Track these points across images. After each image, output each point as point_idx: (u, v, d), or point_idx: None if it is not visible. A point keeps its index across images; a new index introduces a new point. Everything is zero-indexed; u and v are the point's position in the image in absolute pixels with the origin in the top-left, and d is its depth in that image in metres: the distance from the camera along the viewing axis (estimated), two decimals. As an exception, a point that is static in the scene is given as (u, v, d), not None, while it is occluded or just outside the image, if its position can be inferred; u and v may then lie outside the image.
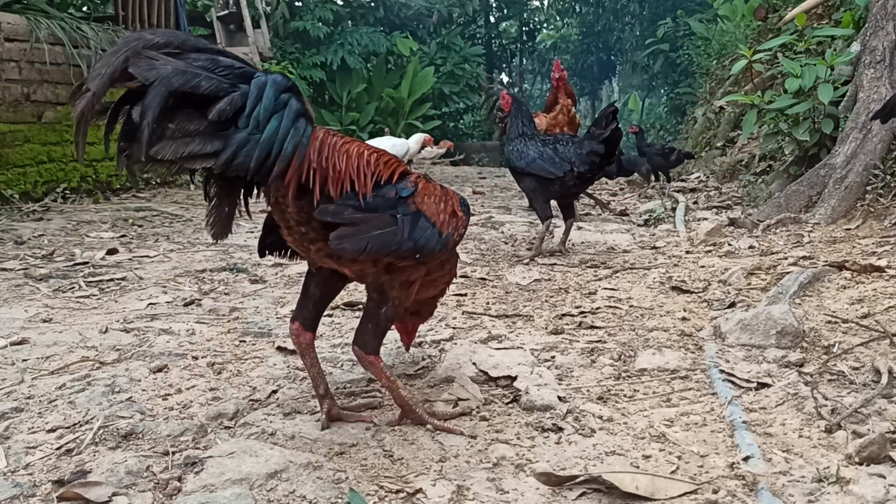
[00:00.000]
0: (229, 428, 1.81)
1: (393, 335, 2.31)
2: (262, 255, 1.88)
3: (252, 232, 4.59)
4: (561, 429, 1.80)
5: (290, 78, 1.54)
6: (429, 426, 1.79)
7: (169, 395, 2.01)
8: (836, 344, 2.31)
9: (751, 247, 3.90)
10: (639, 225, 5.33)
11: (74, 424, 1.80)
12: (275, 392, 2.04)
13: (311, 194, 1.56)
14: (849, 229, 3.97)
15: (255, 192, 1.58)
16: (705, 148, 8.37)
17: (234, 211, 1.55)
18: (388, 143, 7.26)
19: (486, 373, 2.16)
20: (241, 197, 1.56)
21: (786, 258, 3.49)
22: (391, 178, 1.67)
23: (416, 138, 7.59)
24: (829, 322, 2.54)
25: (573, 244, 4.50)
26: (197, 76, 1.38)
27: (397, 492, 1.50)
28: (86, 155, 6.45)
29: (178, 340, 2.50)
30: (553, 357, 2.33)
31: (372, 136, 12.95)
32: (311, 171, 1.54)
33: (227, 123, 1.42)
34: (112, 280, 3.42)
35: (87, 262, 3.77)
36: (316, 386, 1.83)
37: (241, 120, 1.43)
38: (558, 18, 22.78)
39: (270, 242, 1.84)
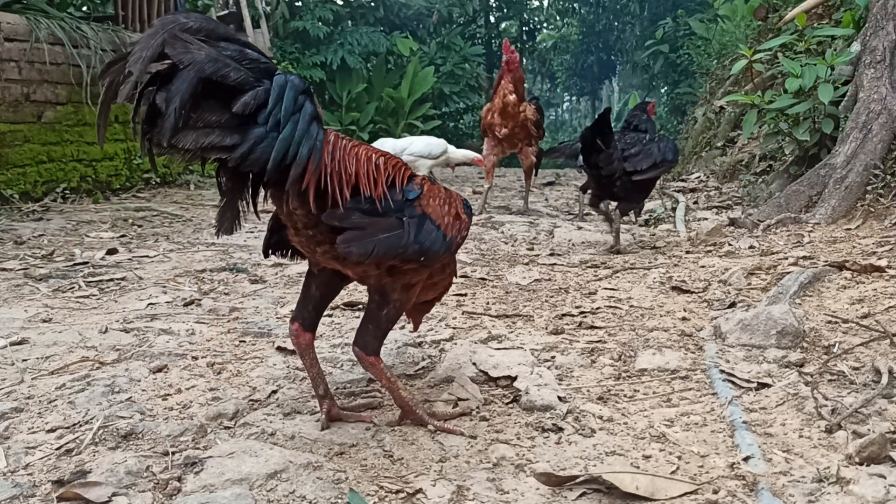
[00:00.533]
0: (229, 428, 1.81)
1: (393, 335, 2.31)
2: (266, 255, 1.88)
3: (252, 232, 4.59)
4: (561, 429, 1.80)
5: (306, 80, 1.54)
6: (429, 427, 1.79)
7: (169, 395, 2.01)
8: (837, 344, 2.31)
9: (751, 247, 3.90)
10: (639, 225, 5.33)
11: (74, 424, 1.80)
12: (275, 392, 2.04)
13: (320, 198, 1.56)
14: (849, 229, 3.97)
15: (264, 192, 1.58)
16: (705, 148, 8.37)
17: (242, 208, 1.55)
18: (422, 142, 7.01)
19: (486, 373, 2.16)
20: (250, 196, 1.56)
21: (786, 258, 3.48)
22: (401, 181, 1.68)
23: (464, 153, 7.21)
24: (830, 322, 2.54)
25: (573, 244, 4.50)
26: (227, 66, 1.38)
27: (397, 492, 1.50)
28: (85, 154, 6.50)
29: (177, 340, 2.50)
30: (553, 357, 2.33)
31: (372, 136, 12.95)
32: (325, 175, 1.54)
33: (246, 118, 1.42)
34: (112, 280, 3.42)
35: (86, 262, 3.77)
36: (316, 386, 1.83)
37: (260, 116, 1.43)
38: (558, 18, 22.79)
39: (274, 243, 1.84)
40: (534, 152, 5.90)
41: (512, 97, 5.46)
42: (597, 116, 4.00)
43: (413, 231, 1.64)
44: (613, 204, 4.29)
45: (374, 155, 1.66)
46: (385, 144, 7.22)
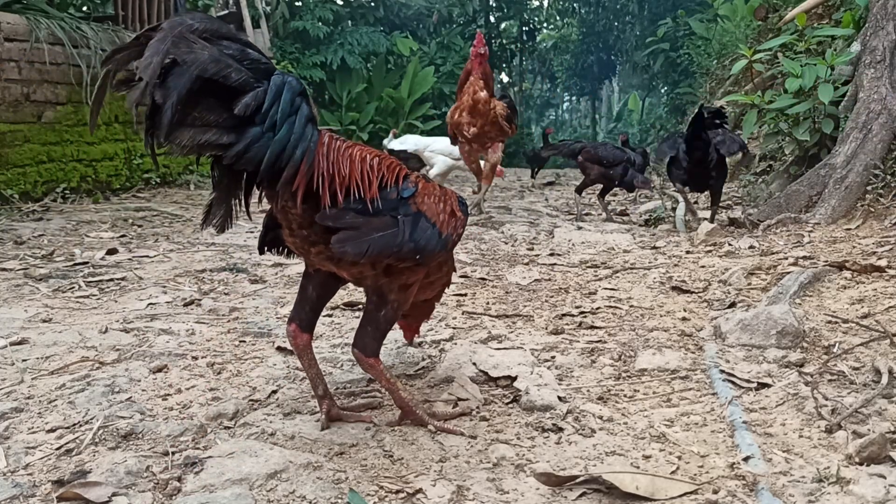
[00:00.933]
0: (229, 428, 1.81)
1: (393, 335, 2.31)
2: (261, 251, 1.88)
3: (252, 232, 4.59)
4: (561, 429, 1.80)
5: (302, 81, 1.55)
6: (429, 427, 1.79)
7: (169, 395, 2.01)
8: (837, 344, 2.31)
9: (751, 247, 3.90)
10: (639, 225, 5.33)
11: (74, 424, 1.80)
12: (275, 392, 2.04)
13: (314, 198, 1.56)
14: (849, 229, 3.97)
15: (259, 192, 1.59)
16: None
17: (235, 206, 1.56)
18: (446, 142, 6.91)
19: (486, 373, 2.16)
20: (243, 195, 1.57)
21: (786, 258, 3.49)
22: (395, 180, 1.67)
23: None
24: (830, 322, 2.54)
25: (573, 244, 4.50)
26: (229, 66, 1.40)
27: (397, 492, 1.50)
28: (85, 154, 6.49)
29: (178, 340, 2.50)
30: (553, 357, 2.33)
31: (372, 136, 12.95)
32: (319, 176, 1.54)
33: (244, 118, 1.44)
34: (112, 280, 3.42)
35: (86, 262, 3.77)
36: (315, 387, 1.83)
37: (258, 116, 1.44)
38: (558, 18, 22.79)
39: (270, 240, 1.84)
40: (502, 148, 5.59)
41: (483, 94, 5.08)
42: (694, 115, 4.57)
43: (408, 229, 1.63)
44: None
45: (368, 155, 1.66)
46: (408, 140, 7.28)
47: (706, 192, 5.18)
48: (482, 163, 5.76)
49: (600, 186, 5.77)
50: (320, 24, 12.82)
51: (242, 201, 1.58)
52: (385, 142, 9.83)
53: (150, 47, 1.35)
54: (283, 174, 1.48)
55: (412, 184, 1.70)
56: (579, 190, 5.89)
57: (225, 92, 1.41)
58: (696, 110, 4.70)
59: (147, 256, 3.98)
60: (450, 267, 1.95)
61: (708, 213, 5.35)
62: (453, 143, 5.75)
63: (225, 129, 1.42)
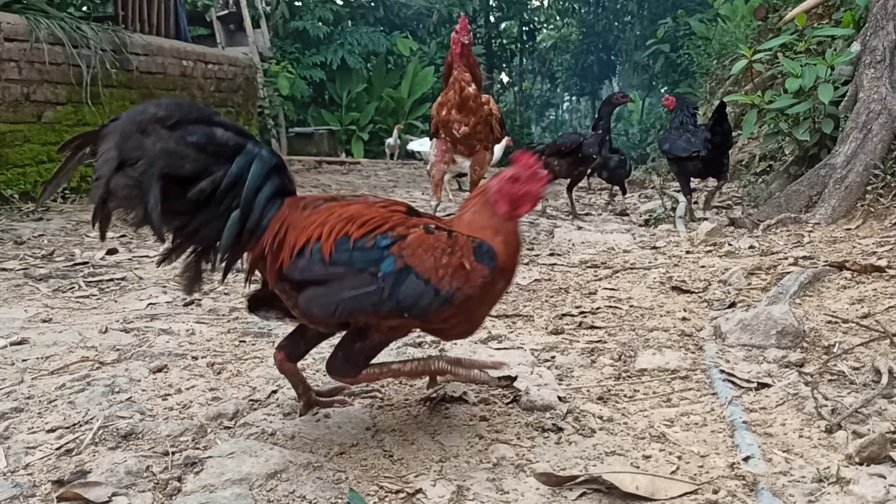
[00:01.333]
0: (229, 428, 1.81)
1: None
2: (250, 311, 1.84)
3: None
4: (561, 429, 1.80)
5: (276, 156, 1.63)
6: (455, 372, 1.74)
7: (169, 395, 2.01)
8: (837, 344, 2.31)
9: (751, 247, 3.90)
10: (639, 225, 5.33)
11: (74, 424, 1.80)
12: (275, 392, 2.04)
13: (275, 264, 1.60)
14: (849, 229, 3.97)
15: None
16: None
17: (202, 271, 1.65)
18: None
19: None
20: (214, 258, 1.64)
21: (786, 258, 3.48)
22: (373, 232, 1.57)
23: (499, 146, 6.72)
24: (830, 322, 2.54)
25: (573, 244, 4.50)
26: (183, 158, 1.46)
27: (397, 492, 1.50)
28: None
29: (177, 340, 2.50)
30: (553, 357, 2.33)
31: (372, 136, 12.96)
32: (273, 244, 1.59)
33: (207, 198, 1.52)
34: (112, 280, 3.42)
35: (86, 262, 3.77)
36: (295, 388, 1.87)
37: (214, 197, 1.52)
38: (558, 18, 22.81)
39: (260, 297, 1.82)
40: (489, 160, 4.87)
41: (471, 88, 4.40)
42: (718, 105, 4.99)
43: (389, 287, 1.52)
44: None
45: (346, 214, 1.60)
46: (425, 144, 7.27)
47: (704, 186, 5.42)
48: (470, 172, 5.02)
49: (596, 183, 5.90)
50: (320, 24, 12.83)
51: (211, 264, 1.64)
52: (389, 140, 9.81)
53: (102, 152, 1.43)
54: (241, 247, 1.59)
55: (395, 234, 1.57)
56: (570, 188, 5.96)
57: (183, 179, 1.48)
58: (718, 103, 5.17)
59: (147, 256, 3.98)
60: (472, 315, 1.70)
61: (707, 213, 5.36)
62: (433, 138, 4.99)
63: (179, 213, 1.50)
